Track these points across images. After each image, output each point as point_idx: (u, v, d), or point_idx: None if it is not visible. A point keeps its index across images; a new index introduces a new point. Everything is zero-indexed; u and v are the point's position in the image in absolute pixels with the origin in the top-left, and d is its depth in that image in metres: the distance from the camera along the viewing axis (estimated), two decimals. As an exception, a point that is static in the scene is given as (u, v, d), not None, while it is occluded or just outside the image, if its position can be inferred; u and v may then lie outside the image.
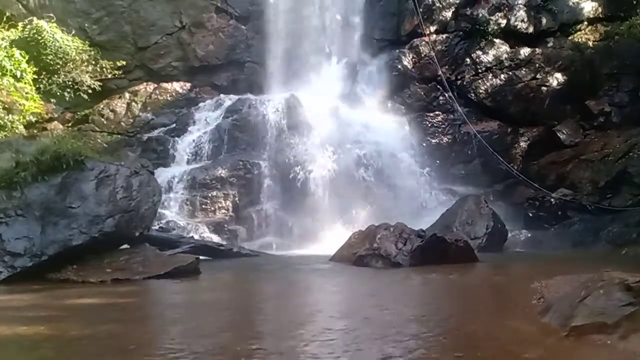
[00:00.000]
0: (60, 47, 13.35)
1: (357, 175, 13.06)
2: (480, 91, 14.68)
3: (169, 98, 14.90)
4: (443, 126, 14.49)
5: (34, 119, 12.73)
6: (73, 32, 13.98)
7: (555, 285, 4.64)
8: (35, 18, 13.46)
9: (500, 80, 14.68)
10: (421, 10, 14.92)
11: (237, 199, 12.17)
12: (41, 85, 12.92)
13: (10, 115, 11.36)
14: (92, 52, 14.09)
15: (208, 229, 11.33)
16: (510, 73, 14.70)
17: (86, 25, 14.68)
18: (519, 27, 15.09)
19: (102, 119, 14.22)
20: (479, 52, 14.81)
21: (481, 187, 13.42)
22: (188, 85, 15.26)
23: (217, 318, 4.54)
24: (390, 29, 15.93)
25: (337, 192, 12.71)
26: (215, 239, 10.93)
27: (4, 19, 13.28)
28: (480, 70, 14.76)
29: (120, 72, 14.53)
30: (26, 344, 3.68)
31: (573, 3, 15.22)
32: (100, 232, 7.26)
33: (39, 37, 13.06)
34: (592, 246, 10.83)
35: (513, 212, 13.00)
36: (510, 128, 14.40)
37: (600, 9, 15.24)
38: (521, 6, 15.13)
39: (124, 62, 14.54)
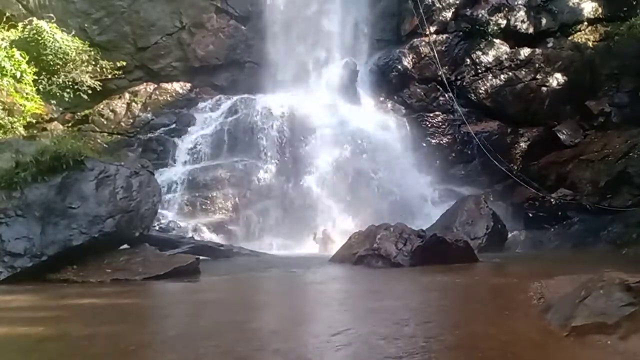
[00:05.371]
0: (60, 48, 13.35)
1: (357, 176, 13.06)
2: (480, 91, 14.68)
3: (169, 98, 14.92)
4: (443, 126, 14.50)
5: (33, 120, 12.75)
6: (73, 32, 13.99)
7: (555, 285, 4.63)
8: (35, 18, 13.47)
9: (500, 80, 14.69)
10: (421, 10, 14.92)
11: (237, 199, 12.18)
12: (41, 86, 12.92)
13: (10, 117, 11.36)
14: (92, 53, 14.11)
15: (208, 230, 11.34)
16: (510, 73, 14.70)
17: (86, 25, 14.70)
18: (519, 27, 15.10)
19: (102, 119, 14.23)
20: (479, 53, 14.82)
21: (481, 187, 13.44)
22: (188, 85, 15.28)
23: (217, 318, 4.54)
24: (390, 29, 15.95)
25: (337, 192, 12.72)
26: (215, 239, 10.93)
27: (4, 19, 13.28)
28: (480, 71, 14.76)
29: (120, 72, 14.55)
30: (26, 344, 3.68)
31: (573, 3, 15.23)
32: (100, 232, 7.26)
33: (39, 38, 13.07)
34: (592, 246, 10.81)
35: (513, 212, 13.01)
36: (510, 128, 14.42)
37: (600, 9, 15.25)
38: (521, 6, 15.15)
39: (124, 63, 14.56)
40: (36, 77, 12.69)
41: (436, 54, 14.50)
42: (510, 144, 14.28)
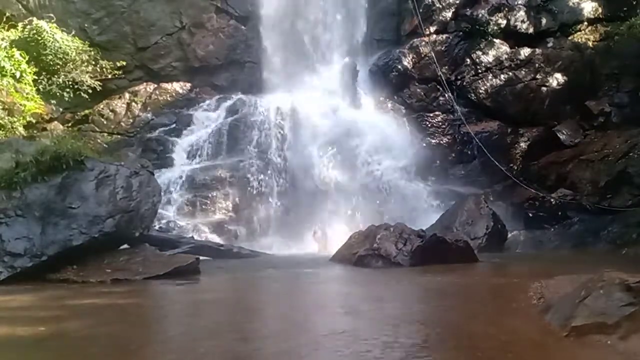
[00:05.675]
0: (60, 48, 13.35)
1: (357, 176, 13.06)
2: (480, 91, 14.68)
3: (169, 98, 14.91)
4: (443, 126, 14.49)
5: (33, 120, 12.75)
6: (73, 32, 13.98)
7: (555, 285, 4.63)
8: (35, 18, 13.46)
9: (500, 80, 14.68)
10: (421, 10, 14.92)
11: (237, 199, 12.17)
12: (41, 86, 12.92)
13: (10, 117, 11.36)
14: (92, 52, 14.10)
15: (208, 229, 11.34)
16: (510, 73, 14.70)
17: (86, 25, 14.69)
18: (519, 27, 15.10)
19: (102, 119, 14.23)
20: (479, 53, 14.81)
21: (481, 187, 13.42)
22: (188, 85, 15.26)
23: (217, 318, 4.54)
24: (390, 29, 15.95)
25: (337, 192, 12.71)
26: (215, 239, 10.93)
27: (4, 19, 13.28)
28: (480, 71, 14.76)
29: (120, 72, 14.54)
30: (26, 344, 3.68)
31: (573, 3, 15.23)
32: (100, 232, 7.27)
33: (39, 38, 13.06)
34: (592, 246, 10.82)
35: (513, 212, 13.00)
36: (510, 128, 14.41)
37: (600, 9, 15.25)
38: (521, 6, 15.14)
39: (124, 62, 14.55)
40: (36, 77, 12.68)
41: (434, 56, 14.48)
42: (510, 144, 14.27)
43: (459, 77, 14.81)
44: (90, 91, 13.72)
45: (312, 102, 14.01)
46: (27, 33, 13.08)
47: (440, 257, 7.77)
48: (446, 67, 14.80)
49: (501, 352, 3.32)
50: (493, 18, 14.90)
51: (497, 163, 13.11)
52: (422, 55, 14.88)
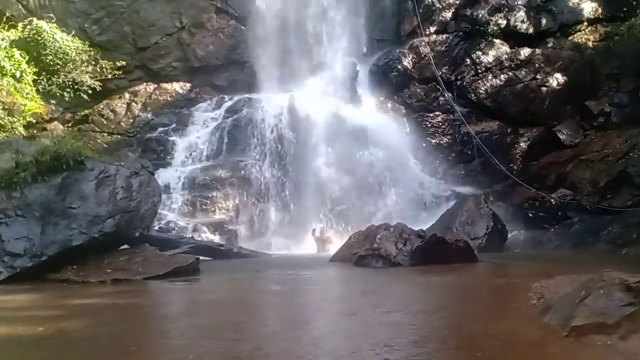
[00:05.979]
0: (60, 48, 13.36)
1: (357, 176, 13.05)
2: (480, 91, 14.68)
3: (169, 98, 14.91)
4: (443, 126, 14.51)
5: (33, 120, 12.75)
6: (73, 32, 13.99)
7: (555, 285, 4.63)
8: (35, 18, 13.48)
9: (500, 80, 14.69)
10: (421, 10, 14.93)
11: (237, 199, 12.18)
12: (41, 86, 12.93)
13: (10, 117, 11.36)
14: (92, 53, 14.11)
15: (208, 229, 11.34)
16: (510, 73, 14.71)
17: (86, 25, 14.70)
18: (519, 27, 15.11)
19: (102, 119, 14.23)
20: (479, 53, 14.82)
21: (481, 188, 13.44)
22: (188, 85, 15.27)
23: (217, 318, 4.54)
24: (390, 29, 15.96)
25: (337, 192, 12.72)
26: (216, 239, 10.94)
27: (4, 19, 13.29)
28: (480, 71, 14.77)
29: (120, 72, 14.56)
30: (26, 343, 3.68)
31: (573, 3, 15.25)
32: (100, 232, 7.26)
33: (39, 38, 13.08)
34: (592, 246, 10.82)
35: (513, 212, 13.01)
36: (510, 128, 14.42)
37: (600, 10, 15.27)
38: (521, 7, 15.17)
39: (124, 63, 14.56)
40: (36, 77, 12.70)
41: (431, 59, 14.49)
42: (510, 144, 14.28)
43: (459, 77, 14.82)
44: (90, 91, 13.73)
45: (312, 102, 14.01)
46: (27, 33, 13.09)
47: (440, 257, 7.76)
48: (446, 67, 14.81)
49: (501, 352, 3.32)
50: (493, 18, 14.92)
51: (497, 163, 13.13)
52: (422, 56, 14.90)
